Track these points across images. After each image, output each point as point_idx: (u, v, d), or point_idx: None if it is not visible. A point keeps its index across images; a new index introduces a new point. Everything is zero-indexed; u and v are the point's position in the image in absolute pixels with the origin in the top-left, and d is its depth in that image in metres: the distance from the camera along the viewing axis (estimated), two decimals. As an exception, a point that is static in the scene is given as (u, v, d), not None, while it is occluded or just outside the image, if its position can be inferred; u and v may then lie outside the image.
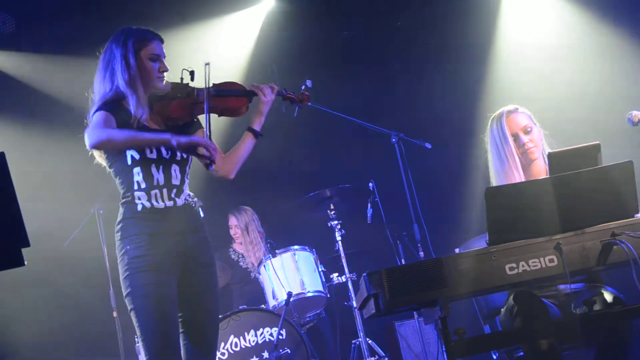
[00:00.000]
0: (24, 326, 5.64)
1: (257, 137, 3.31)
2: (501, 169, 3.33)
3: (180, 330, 3.03)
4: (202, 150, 2.94)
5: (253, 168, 6.16)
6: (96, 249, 5.43)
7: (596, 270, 2.73)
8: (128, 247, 2.96)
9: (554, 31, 5.82)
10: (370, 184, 5.62)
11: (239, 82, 3.33)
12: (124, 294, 2.96)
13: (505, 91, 5.89)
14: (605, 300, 2.97)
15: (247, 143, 3.30)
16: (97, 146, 2.92)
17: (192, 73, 3.13)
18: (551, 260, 2.49)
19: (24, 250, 2.06)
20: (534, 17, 5.92)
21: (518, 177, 3.28)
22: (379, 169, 5.87)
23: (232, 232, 6.01)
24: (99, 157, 3.09)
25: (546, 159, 3.21)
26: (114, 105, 3.01)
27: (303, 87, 5.39)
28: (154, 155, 3.00)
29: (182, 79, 3.15)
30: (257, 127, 3.31)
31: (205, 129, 3.06)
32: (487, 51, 6.09)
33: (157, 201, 2.99)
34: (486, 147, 3.44)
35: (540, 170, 3.35)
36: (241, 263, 5.86)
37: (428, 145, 5.29)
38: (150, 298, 2.89)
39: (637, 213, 2.60)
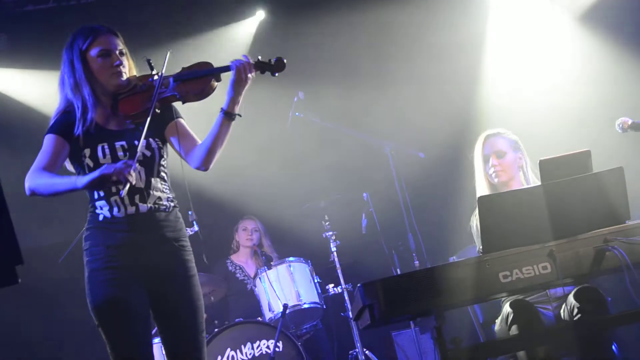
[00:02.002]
0: (17, 342, 5.61)
1: (232, 119, 2.89)
2: (482, 183, 3.54)
3: (163, 345, 2.89)
4: (114, 178, 2.63)
5: (247, 180, 6.26)
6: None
7: (589, 277, 2.74)
8: (87, 259, 2.83)
9: (543, 38, 5.85)
10: (364, 195, 5.63)
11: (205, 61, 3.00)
12: (89, 308, 2.79)
13: (498, 99, 5.91)
14: (592, 302, 2.99)
15: (223, 128, 2.88)
16: (32, 194, 2.77)
17: (148, 61, 2.92)
18: (545, 268, 2.50)
19: (18, 267, 2.05)
20: (521, 25, 5.95)
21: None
22: (373, 179, 5.89)
23: (245, 236, 5.90)
24: (69, 167, 2.94)
25: (524, 182, 3.33)
26: (64, 118, 2.86)
27: (295, 99, 5.44)
28: (108, 160, 2.80)
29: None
30: (232, 108, 2.88)
31: (141, 129, 2.77)
32: (480, 57, 6.12)
33: (118, 209, 2.80)
34: (472, 160, 3.63)
35: None
36: (238, 275, 5.84)
37: (421, 155, 5.32)
38: (112, 313, 2.74)
39: (629, 219, 2.61)
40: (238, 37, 6.34)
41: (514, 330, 3.00)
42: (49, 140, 2.85)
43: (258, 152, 6.26)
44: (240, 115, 2.90)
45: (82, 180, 2.69)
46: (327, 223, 5.49)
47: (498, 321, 3.22)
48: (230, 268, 5.86)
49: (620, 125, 3.23)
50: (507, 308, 3.08)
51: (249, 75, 2.86)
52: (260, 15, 6.32)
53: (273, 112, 6.10)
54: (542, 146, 3.58)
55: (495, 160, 3.49)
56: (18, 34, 5.73)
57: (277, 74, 2.95)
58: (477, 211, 3.33)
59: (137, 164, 2.81)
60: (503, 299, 3.22)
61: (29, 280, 2.56)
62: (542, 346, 2.85)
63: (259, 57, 2.96)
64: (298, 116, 5.49)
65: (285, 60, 2.94)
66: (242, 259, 5.94)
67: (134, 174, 2.66)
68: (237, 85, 2.86)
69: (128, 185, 2.64)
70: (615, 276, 2.61)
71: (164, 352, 2.91)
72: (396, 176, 5.29)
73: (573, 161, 2.69)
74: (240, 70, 2.84)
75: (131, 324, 2.76)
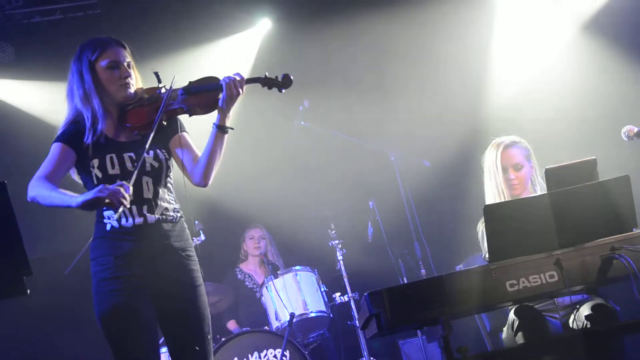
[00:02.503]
0: (24, 354, 5.61)
1: (226, 132, 2.94)
2: (495, 192, 3.49)
3: (170, 355, 2.92)
4: (107, 201, 2.65)
5: (254, 190, 6.26)
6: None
7: (597, 285, 2.74)
8: (95, 269, 2.85)
9: (549, 46, 5.85)
10: (370, 203, 5.63)
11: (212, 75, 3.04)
12: (96, 317, 2.82)
13: (504, 107, 5.90)
14: (600, 313, 2.98)
15: (217, 141, 2.93)
16: (33, 201, 2.80)
17: (156, 74, 2.98)
18: (551, 276, 2.50)
19: (26, 279, 2.06)
20: (527, 32, 5.95)
21: None
22: (379, 187, 5.88)
23: (253, 244, 5.91)
24: (75, 176, 2.98)
25: (533, 192, 3.33)
26: (73, 130, 2.90)
27: (301, 108, 5.46)
28: (116, 171, 2.84)
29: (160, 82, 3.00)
30: (223, 122, 2.93)
31: (146, 141, 2.81)
32: (485, 64, 6.12)
33: (125, 219, 2.84)
34: (482, 166, 3.54)
35: None
36: (247, 283, 5.85)
37: (427, 163, 5.32)
38: (119, 322, 2.77)
39: (636, 227, 2.61)
40: (244, 46, 6.36)
41: (519, 337, 2.99)
42: (55, 148, 2.89)
43: (264, 161, 6.27)
44: (232, 128, 2.95)
45: (77, 199, 2.71)
46: (333, 232, 5.49)
47: (505, 329, 3.22)
48: (239, 277, 5.87)
49: (626, 134, 3.23)
50: (513, 315, 3.08)
51: (239, 90, 2.92)
52: (266, 24, 6.33)
53: (279, 121, 6.11)
54: (548, 154, 3.58)
55: (513, 173, 3.48)
56: (25, 46, 5.76)
57: (284, 90, 3.02)
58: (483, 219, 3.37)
59: (147, 176, 2.86)
60: (510, 306, 3.21)
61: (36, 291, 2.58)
62: (550, 354, 2.85)
63: (266, 74, 3.02)
64: (303, 125, 5.50)
65: (292, 77, 3.02)
66: (251, 268, 5.96)
67: (128, 198, 2.67)
68: (228, 101, 2.92)
69: (121, 209, 2.66)
70: (622, 284, 2.60)
71: None
72: (402, 184, 5.29)
73: (579, 169, 2.69)
74: (231, 87, 2.90)
75: (138, 333, 2.78)
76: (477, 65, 6.12)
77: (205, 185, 2.97)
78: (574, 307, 3.16)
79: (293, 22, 6.32)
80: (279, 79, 3.01)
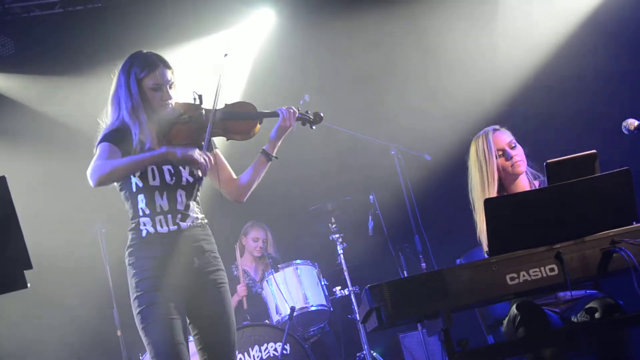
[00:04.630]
0: (27, 347, 5.63)
1: (270, 160, 3.26)
2: (480, 183, 3.43)
3: (198, 348, 3.09)
4: (196, 162, 2.96)
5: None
6: (99, 269, 5.43)
7: (597, 278, 2.74)
8: (134, 270, 3.02)
9: (550, 39, 5.84)
10: (371, 197, 5.64)
11: (249, 102, 3.29)
12: (134, 314, 3.00)
13: (504, 101, 5.90)
14: (605, 307, 2.99)
15: (260, 167, 3.25)
16: (100, 182, 2.92)
17: (200, 97, 3.14)
18: (552, 270, 2.50)
19: (27, 272, 2.07)
20: (530, 26, 5.94)
21: (492, 193, 3.37)
22: (379, 181, 5.88)
23: (256, 246, 5.89)
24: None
25: (530, 176, 3.30)
26: (118, 135, 3.04)
27: (301, 102, 5.45)
28: (156, 183, 3.03)
29: (194, 99, 3.15)
30: (272, 150, 3.26)
31: (204, 147, 3.05)
32: (488, 58, 6.11)
33: (161, 226, 3.03)
34: (470, 168, 3.50)
35: (525, 186, 3.41)
36: (243, 278, 5.85)
37: (427, 157, 5.32)
38: (158, 317, 2.94)
39: (636, 220, 2.61)
40: (246, 38, 6.34)
41: (521, 332, 3.00)
42: (106, 146, 3.01)
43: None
44: (277, 158, 3.26)
45: (176, 151, 2.94)
46: (333, 225, 5.50)
47: (505, 322, 3.22)
48: (235, 273, 5.86)
49: (627, 127, 3.22)
50: (514, 310, 3.08)
51: (293, 123, 3.22)
52: (269, 16, 6.31)
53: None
54: (549, 148, 3.58)
55: (512, 151, 3.41)
56: (24, 40, 5.75)
57: (314, 127, 3.35)
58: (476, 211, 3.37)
59: (181, 189, 3.07)
60: (511, 300, 3.22)
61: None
62: (551, 348, 2.85)
63: (299, 109, 3.28)
64: (304, 118, 5.49)
65: (322, 115, 3.36)
66: (246, 263, 5.94)
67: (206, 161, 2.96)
68: (281, 131, 3.24)
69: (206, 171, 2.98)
70: (623, 279, 2.61)
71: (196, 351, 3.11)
72: (402, 178, 5.30)
73: (579, 163, 2.69)
74: (286, 119, 3.21)
75: (175, 324, 2.96)
76: (479, 59, 6.11)
77: (241, 202, 3.28)
78: (575, 301, 3.16)
79: (296, 15, 6.31)
80: (311, 117, 3.34)
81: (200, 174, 3.06)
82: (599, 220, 2.57)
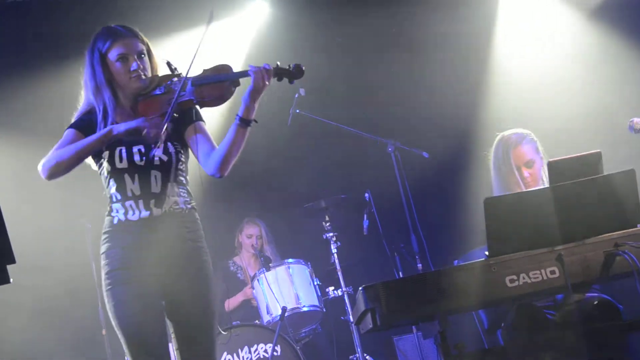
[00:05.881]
0: (9, 344, 5.60)
1: (249, 125, 2.92)
2: (497, 191, 3.49)
3: (175, 347, 3.00)
4: (149, 131, 2.82)
5: (245, 179, 6.25)
6: (84, 264, 5.41)
7: (599, 282, 2.74)
8: (104, 261, 2.93)
9: (554, 37, 5.84)
10: (366, 195, 5.63)
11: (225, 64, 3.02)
12: (108, 309, 2.91)
13: (504, 99, 5.90)
14: (605, 311, 2.99)
15: (238, 135, 2.91)
16: (50, 175, 2.86)
17: (168, 64, 2.98)
18: (552, 272, 2.50)
19: (10, 267, 2.05)
20: (533, 22, 5.94)
21: None
22: (375, 179, 5.88)
23: (250, 242, 5.89)
24: (94, 166, 3.04)
25: (544, 182, 3.33)
26: (87, 119, 2.98)
27: (297, 96, 5.43)
28: (124, 165, 2.91)
29: (172, 70, 3.00)
30: (248, 115, 2.90)
31: (162, 126, 2.84)
32: (486, 57, 6.11)
33: (132, 212, 2.92)
34: (489, 164, 3.55)
35: None
36: (239, 275, 5.85)
37: (425, 154, 5.31)
38: (129, 313, 2.84)
39: (640, 222, 2.61)
40: (240, 31, 6.32)
41: (519, 335, 3.00)
42: (68, 133, 2.96)
43: (257, 150, 6.25)
44: (256, 122, 2.94)
45: (118, 127, 2.84)
46: (327, 224, 5.49)
47: (504, 325, 3.22)
48: (232, 268, 5.87)
49: (632, 126, 3.23)
50: (513, 312, 3.08)
51: (267, 82, 2.89)
52: (262, 7, 6.29)
53: (273, 109, 6.09)
54: (552, 147, 3.58)
55: (526, 171, 3.49)
56: (2, 28, 5.67)
57: (294, 82, 2.99)
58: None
59: (155, 170, 2.93)
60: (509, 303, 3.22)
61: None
62: (550, 353, 2.85)
63: (278, 63, 2.98)
64: (299, 113, 5.49)
65: (304, 68, 2.97)
66: (244, 260, 5.95)
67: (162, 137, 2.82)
68: (255, 92, 2.88)
69: (159, 144, 2.83)
70: (625, 282, 2.61)
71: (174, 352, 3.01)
72: (399, 176, 5.28)
73: (583, 163, 2.69)
74: (259, 77, 2.87)
75: (149, 323, 2.86)
76: (479, 53, 6.11)
77: (221, 177, 2.98)
78: (576, 304, 3.16)
79: (290, 5, 6.29)
80: (290, 68, 2.97)
81: (156, 149, 2.86)
82: (602, 222, 2.57)
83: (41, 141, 3.12)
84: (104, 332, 5.33)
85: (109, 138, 2.86)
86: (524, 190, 3.43)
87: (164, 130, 2.82)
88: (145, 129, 2.81)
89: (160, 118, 2.84)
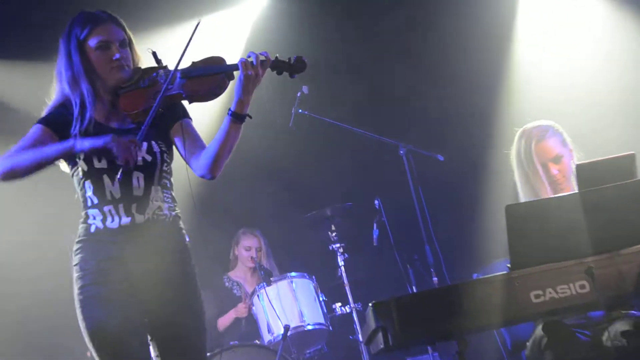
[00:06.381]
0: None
1: (242, 121, 2.87)
2: (532, 193, 3.43)
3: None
4: (118, 154, 2.72)
5: (245, 186, 6.25)
6: (70, 283, 5.40)
7: (634, 297, 2.72)
8: (76, 274, 2.85)
9: (583, 29, 5.83)
10: (376, 202, 5.63)
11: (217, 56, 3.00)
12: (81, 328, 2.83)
13: (527, 95, 5.89)
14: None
15: (231, 131, 2.86)
16: (5, 178, 2.79)
17: (154, 54, 2.94)
18: (582, 287, 2.48)
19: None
20: (559, 15, 5.93)
21: None
22: (386, 184, 5.87)
23: (248, 255, 5.89)
24: (64, 168, 2.97)
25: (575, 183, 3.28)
26: (59, 112, 2.91)
27: (299, 94, 5.44)
28: (103, 164, 2.83)
29: (158, 62, 2.96)
30: (240, 109, 2.85)
31: (144, 124, 2.78)
32: (506, 50, 6.10)
33: (112, 219, 2.84)
34: (511, 163, 3.50)
35: None
36: (235, 291, 5.84)
37: (440, 157, 5.30)
38: (104, 334, 2.76)
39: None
40: (237, 23, 6.33)
41: (546, 356, 2.98)
42: (35, 130, 2.88)
43: (254, 153, 6.25)
44: (250, 117, 2.88)
45: (82, 143, 2.74)
46: (333, 234, 5.49)
47: (529, 346, 3.21)
48: (227, 284, 5.86)
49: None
50: (540, 331, 3.07)
51: (259, 73, 2.83)
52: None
53: (273, 109, 6.09)
54: (578, 149, 3.56)
55: (554, 168, 3.44)
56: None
57: (295, 76, 2.96)
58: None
59: (137, 171, 2.85)
60: (535, 321, 3.20)
61: None
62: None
63: (277, 56, 2.94)
64: (302, 113, 5.50)
65: (306, 60, 2.94)
66: (240, 275, 5.95)
67: (133, 161, 2.72)
68: (246, 84, 2.81)
69: (121, 171, 2.71)
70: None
71: None
72: (412, 181, 5.27)
73: (615, 166, 2.68)
74: (248, 68, 2.81)
75: (126, 345, 2.78)
76: (498, 48, 6.11)
77: (211, 178, 2.93)
78: (609, 322, 3.14)
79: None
80: (291, 62, 2.94)
81: (120, 174, 2.75)
82: (636, 231, 2.55)
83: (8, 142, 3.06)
84: (88, 354, 5.32)
85: (71, 154, 2.79)
86: (549, 190, 3.40)
87: (136, 151, 2.74)
88: (113, 149, 2.71)
89: (131, 143, 2.73)
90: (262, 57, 2.84)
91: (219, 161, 2.89)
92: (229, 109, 2.86)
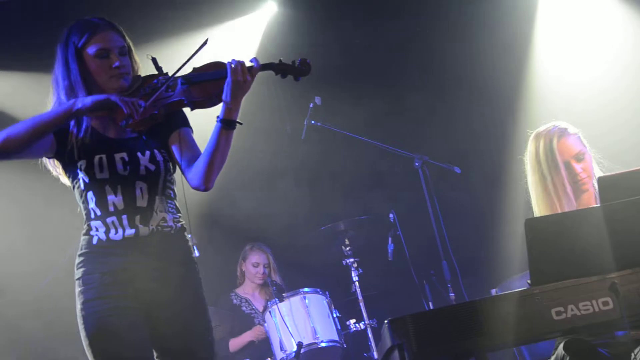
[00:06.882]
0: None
1: (232, 128, 2.83)
2: (549, 199, 3.35)
3: None
4: (123, 107, 2.73)
5: (256, 199, 6.25)
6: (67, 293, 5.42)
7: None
8: (79, 289, 2.83)
9: (603, 38, 5.81)
10: (391, 215, 5.62)
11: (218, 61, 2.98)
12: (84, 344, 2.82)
13: (547, 107, 5.87)
14: None
15: (221, 139, 2.81)
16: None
17: (153, 60, 2.91)
18: (605, 303, 2.45)
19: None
20: (577, 16, 5.92)
21: (569, 208, 3.27)
22: (401, 197, 5.86)
23: (255, 272, 5.89)
24: (64, 179, 2.94)
25: (596, 186, 3.23)
26: None
27: (311, 105, 5.44)
28: (105, 175, 2.81)
29: (158, 68, 2.92)
30: (229, 115, 2.80)
31: (142, 139, 2.84)
32: (523, 57, 6.09)
33: (115, 231, 2.82)
34: (525, 169, 3.45)
35: (591, 200, 3.35)
36: (244, 308, 5.83)
37: (457, 170, 5.29)
38: (108, 349, 2.75)
39: None
40: (246, 32, 6.36)
41: (569, 376, 2.96)
42: None
43: (267, 166, 6.26)
44: (240, 123, 2.85)
45: (84, 100, 2.73)
46: (347, 248, 5.49)
47: (549, 365, 3.18)
48: (235, 301, 5.84)
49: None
50: (561, 350, 3.04)
51: (247, 77, 2.81)
52: (271, 7, 6.33)
53: (285, 120, 6.10)
54: (602, 161, 3.52)
55: (578, 165, 3.36)
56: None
57: (300, 79, 2.95)
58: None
59: (140, 181, 2.84)
60: (557, 339, 3.17)
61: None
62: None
63: (281, 59, 2.94)
64: (314, 125, 5.50)
65: (310, 62, 2.93)
66: (248, 291, 5.94)
67: (137, 116, 2.72)
68: (234, 89, 2.79)
69: (131, 121, 2.72)
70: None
71: None
72: (427, 194, 5.26)
73: (638, 178, 2.65)
74: (236, 72, 2.79)
75: (129, 354, 2.77)
76: (517, 58, 6.11)
77: (205, 190, 2.89)
78: (636, 342, 3.11)
79: (302, 5, 6.31)
80: (295, 64, 2.93)
81: (123, 121, 2.74)
82: (662, 245, 2.52)
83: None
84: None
85: (72, 113, 2.75)
86: (570, 192, 3.32)
87: (141, 112, 2.73)
88: (117, 101, 2.71)
89: (134, 101, 2.74)
90: (250, 64, 2.84)
91: (211, 172, 2.86)
92: (217, 117, 2.83)
